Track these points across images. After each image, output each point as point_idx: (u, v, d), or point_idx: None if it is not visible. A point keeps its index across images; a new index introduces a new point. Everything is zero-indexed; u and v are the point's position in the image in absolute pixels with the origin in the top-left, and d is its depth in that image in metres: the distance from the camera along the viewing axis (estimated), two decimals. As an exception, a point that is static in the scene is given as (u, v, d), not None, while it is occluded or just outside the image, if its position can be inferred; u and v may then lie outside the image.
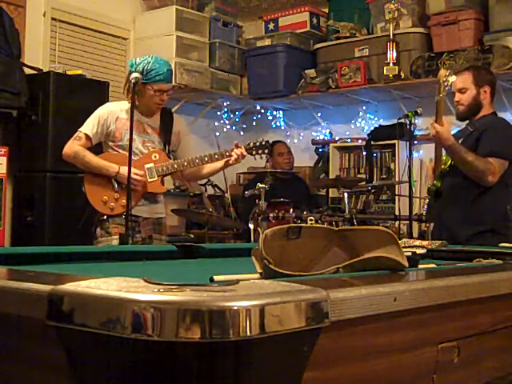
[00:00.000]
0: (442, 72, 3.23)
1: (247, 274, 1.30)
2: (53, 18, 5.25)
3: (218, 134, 6.07)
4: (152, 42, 5.73)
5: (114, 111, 3.49)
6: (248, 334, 0.85)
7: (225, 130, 6.55)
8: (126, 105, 3.49)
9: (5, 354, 1.10)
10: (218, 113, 6.56)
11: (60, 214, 4.55)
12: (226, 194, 5.86)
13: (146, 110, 3.51)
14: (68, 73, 4.89)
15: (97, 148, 3.54)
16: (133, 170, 3.32)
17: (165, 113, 3.60)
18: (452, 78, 3.25)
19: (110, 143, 3.48)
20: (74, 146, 3.44)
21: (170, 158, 3.54)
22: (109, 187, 3.43)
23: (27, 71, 4.81)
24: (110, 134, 3.46)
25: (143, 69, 3.36)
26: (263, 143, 3.70)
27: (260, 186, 4.39)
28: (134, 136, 3.36)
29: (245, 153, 3.56)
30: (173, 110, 6.02)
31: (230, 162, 3.54)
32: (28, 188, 4.75)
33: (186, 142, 3.69)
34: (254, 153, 3.71)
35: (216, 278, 1.27)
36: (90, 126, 3.45)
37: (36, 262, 1.77)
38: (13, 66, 4.65)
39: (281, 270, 1.25)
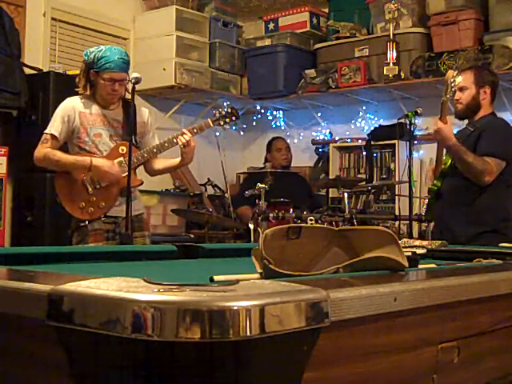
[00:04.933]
0: (450, 73, 3.22)
1: (247, 274, 1.30)
2: (53, 18, 5.25)
3: (218, 134, 6.07)
4: (152, 42, 5.73)
5: (75, 106, 3.34)
6: (248, 333, 0.85)
7: (225, 129, 6.53)
8: (83, 98, 3.37)
9: (5, 353, 1.10)
10: (218, 113, 6.54)
11: (60, 214, 4.53)
12: (225, 194, 5.86)
13: (104, 102, 3.37)
14: (68, 73, 4.88)
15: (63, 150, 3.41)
16: (106, 163, 3.25)
17: (126, 104, 3.41)
18: (459, 79, 3.24)
19: (75, 141, 3.33)
20: (42, 150, 3.31)
21: (138, 149, 3.39)
22: (83, 192, 3.31)
23: (27, 71, 4.81)
24: (75, 130, 3.32)
25: (94, 57, 3.25)
26: (229, 110, 3.55)
27: (260, 185, 4.38)
28: (101, 130, 3.29)
29: (189, 134, 3.36)
30: (173, 110, 6.11)
31: (184, 150, 3.35)
32: (28, 188, 4.75)
33: (153, 133, 3.54)
34: (222, 123, 3.57)
35: (216, 278, 1.27)
36: (54, 126, 3.31)
37: (36, 261, 1.77)
38: (13, 65, 4.65)
39: (281, 270, 1.25)
